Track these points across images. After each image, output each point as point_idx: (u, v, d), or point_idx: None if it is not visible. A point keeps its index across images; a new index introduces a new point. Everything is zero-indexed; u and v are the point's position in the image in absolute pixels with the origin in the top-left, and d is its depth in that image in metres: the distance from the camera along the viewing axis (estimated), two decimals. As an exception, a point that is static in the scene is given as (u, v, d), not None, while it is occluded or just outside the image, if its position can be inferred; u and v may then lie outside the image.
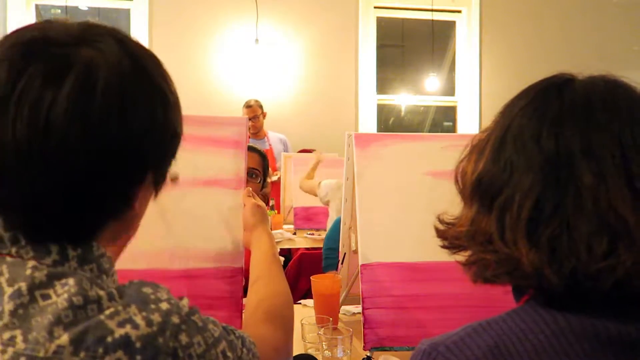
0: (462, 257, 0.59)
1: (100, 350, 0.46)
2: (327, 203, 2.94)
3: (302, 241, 3.12)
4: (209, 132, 1.14)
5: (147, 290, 0.52)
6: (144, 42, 4.39)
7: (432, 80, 5.02)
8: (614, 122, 0.51)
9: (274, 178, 3.75)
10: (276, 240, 3.11)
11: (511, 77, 4.68)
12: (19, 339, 0.46)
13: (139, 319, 0.48)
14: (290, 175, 3.57)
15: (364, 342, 1.17)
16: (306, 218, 3.31)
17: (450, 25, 5.05)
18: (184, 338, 0.51)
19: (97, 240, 0.55)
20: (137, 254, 1.06)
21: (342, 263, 1.54)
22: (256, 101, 4.09)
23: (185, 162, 1.15)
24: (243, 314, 0.90)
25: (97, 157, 0.51)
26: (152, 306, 0.50)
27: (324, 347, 1.11)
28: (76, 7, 4.53)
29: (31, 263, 0.50)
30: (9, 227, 0.52)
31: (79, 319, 0.47)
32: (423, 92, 5.13)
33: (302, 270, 2.47)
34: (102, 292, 0.50)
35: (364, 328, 1.18)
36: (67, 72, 0.50)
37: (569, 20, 4.86)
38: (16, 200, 0.51)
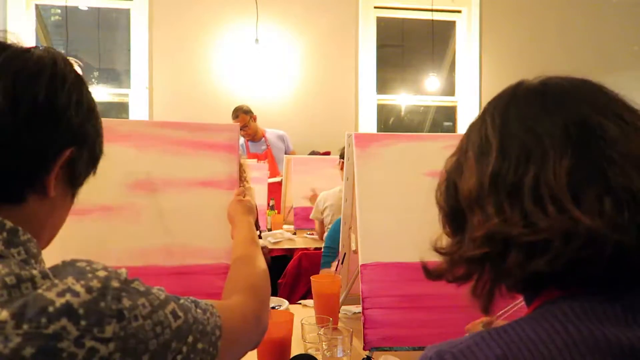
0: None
1: (44, 320, 0.46)
2: (323, 211, 2.97)
3: (302, 241, 3.12)
4: (204, 137, 1.21)
5: (81, 264, 0.53)
6: (144, 42, 4.42)
7: (432, 80, 5.02)
8: (602, 95, 0.55)
9: (278, 179, 3.73)
10: (276, 240, 3.15)
11: (511, 77, 4.59)
12: None
13: (78, 287, 0.49)
14: (291, 175, 3.57)
15: (364, 342, 1.17)
16: (306, 218, 3.31)
17: (450, 25, 5.05)
18: (126, 301, 0.51)
19: (22, 222, 0.57)
20: (134, 251, 1.09)
21: (342, 263, 1.54)
22: (241, 108, 4.01)
23: (183, 164, 1.19)
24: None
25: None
26: (89, 275, 0.51)
27: (324, 347, 1.11)
28: (76, 7, 4.53)
29: None
30: None
31: (14, 297, 0.47)
32: (423, 92, 5.13)
33: (302, 270, 2.47)
34: (34, 272, 0.50)
35: (364, 328, 1.18)
36: None
37: (568, 20, 4.86)
38: None
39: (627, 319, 0.47)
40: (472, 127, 0.60)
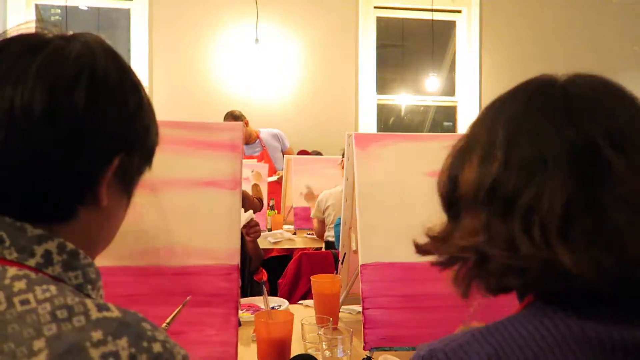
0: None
1: None
2: (325, 211, 2.97)
3: (302, 241, 3.13)
4: (207, 136, 1.20)
5: (146, 325, 0.48)
6: (144, 42, 4.42)
7: (432, 80, 5.02)
8: (622, 112, 0.52)
9: (274, 178, 3.73)
10: (276, 240, 3.15)
11: (511, 77, 4.61)
12: None
13: (124, 355, 0.44)
14: (291, 175, 3.57)
15: (364, 342, 1.17)
16: (306, 218, 3.31)
17: (450, 25, 5.05)
18: None
19: (76, 237, 0.54)
20: (135, 252, 1.09)
21: (342, 263, 1.54)
22: (232, 114, 3.95)
23: (185, 163, 1.19)
24: None
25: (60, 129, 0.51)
26: (145, 344, 0.46)
27: (324, 347, 1.11)
28: (76, 7, 4.53)
29: (12, 272, 0.48)
30: None
31: (63, 331, 0.44)
32: (423, 92, 5.13)
33: (302, 270, 2.47)
34: (88, 302, 0.46)
35: (364, 328, 1.18)
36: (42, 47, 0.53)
37: (568, 20, 4.87)
38: None
39: (618, 316, 0.47)
40: (481, 123, 0.59)
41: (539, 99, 0.55)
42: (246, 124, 4.00)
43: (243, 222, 1.89)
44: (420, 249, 0.62)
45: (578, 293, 0.48)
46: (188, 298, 1.02)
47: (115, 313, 0.46)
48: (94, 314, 0.45)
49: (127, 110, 0.56)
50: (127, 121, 0.56)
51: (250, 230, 1.94)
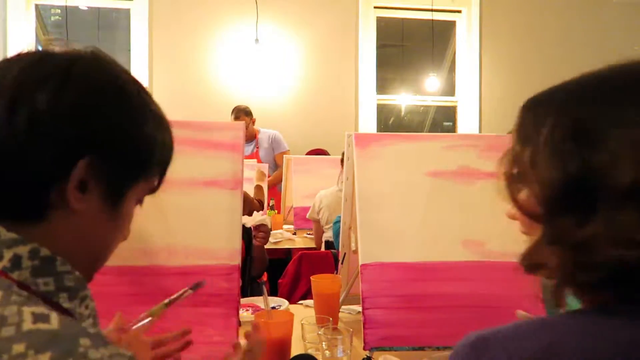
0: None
1: None
2: (319, 212, 2.96)
3: (302, 241, 3.13)
4: (207, 136, 1.19)
5: (84, 341, 0.44)
6: (144, 42, 4.41)
7: (432, 80, 5.02)
8: None
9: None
10: (276, 240, 3.15)
11: (511, 77, 4.68)
12: None
13: None
14: (291, 175, 3.57)
15: (364, 342, 1.17)
16: (306, 218, 3.31)
17: (450, 25, 5.05)
18: None
19: (50, 239, 0.53)
20: (136, 251, 1.08)
21: (342, 263, 1.54)
22: (243, 110, 3.93)
23: (185, 163, 1.19)
24: None
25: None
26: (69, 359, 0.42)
27: (324, 347, 1.11)
28: (76, 7, 4.52)
29: None
30: None
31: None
32: (423, 92, 5.13)
33: (302, 270, 2.47)
34: (28, 312, 0.44)
35: (364, 328, 1.18)
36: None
37: (568, 20, 4.87)
38: None
39: None
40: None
41: (629, 89, 0.51)
42: (253, 122, 4.01)
43: (256, 222, 1.89)
44: (538, 266, 0.54)
45: None
46: (204, 281, 0.98)
47: (52, 326, 0.44)
48: (27, 326, 0.43)
49: (98, 115, 0.54)
50: (95, 123, 0.54)
51: (258, 233, 1.94)
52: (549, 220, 0.51)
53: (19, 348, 0.41)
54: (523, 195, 0.56)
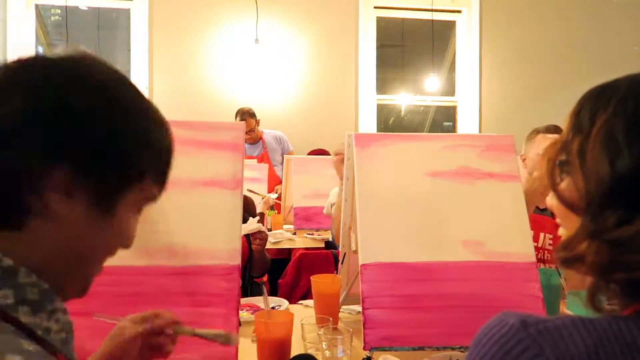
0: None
1: None
2: (332, 206, 2.96)
3: (302, 241, 3.12)
4: (208, 136, 1.19)
5: (12, 358, 0.42)
6: (144, 42, 4.41)
7: (432, 80, 5.02)
8: None
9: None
10: (276, 240, 3.15)
11: (511, 77, 4.68)
12: None
13: None
14: (291, 176, 3.57)
15: (364, 342, 1.17)
16: (306, 218, 3.31)
17: (450, 25, 5.05)
18: None
19: (28, 248, 0.51)
20: (136, 251, 1.08)
21: (342, 263, 1.54)
22: (248, 112, 3.93)
23: (186, 163, 1.19)
24: None
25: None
26: None
27: (324, 347, 1.12)
28: (76, 7, 4.52)
29: None
30: None
31: None
32: (423, 92, 5.13)
33: (302, 270, 2.47)
34: None
35: (364, 328, 1.18)
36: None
37: (569, 20, 4.86)
38: None
39: None
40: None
41: None
42: (257, 123, 4.02)
43: (249, 230, 1.90)
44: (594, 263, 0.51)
45: None
46: (236, 339, 0.91)
47: None
48: None
49: (63, 118, 0.52)
50: (65, 129, 0.51)
51: (254, 240, 1.95)
52: (590, 214, 0.50)
53: None
54: (564, 184, 0.55)
